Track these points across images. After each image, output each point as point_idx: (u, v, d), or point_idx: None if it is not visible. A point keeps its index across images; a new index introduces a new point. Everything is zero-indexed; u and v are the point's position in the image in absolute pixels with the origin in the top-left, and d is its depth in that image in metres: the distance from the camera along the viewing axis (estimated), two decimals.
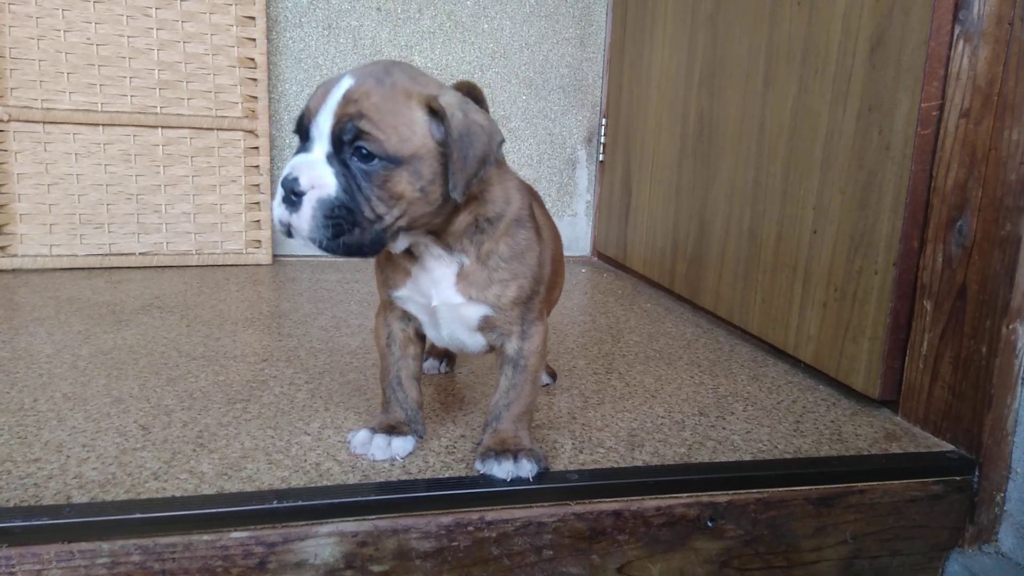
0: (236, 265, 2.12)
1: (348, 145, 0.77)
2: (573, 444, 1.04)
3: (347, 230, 0.78)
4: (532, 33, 2.30)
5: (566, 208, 2.43)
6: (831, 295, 1.31)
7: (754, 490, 0.98)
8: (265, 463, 0.95)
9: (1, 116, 1.85)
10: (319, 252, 0.81)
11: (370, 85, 0.79)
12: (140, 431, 1.02)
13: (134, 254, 2.02)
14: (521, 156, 2.36)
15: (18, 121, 1.88)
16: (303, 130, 0.81)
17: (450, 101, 0.80)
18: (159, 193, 2.02)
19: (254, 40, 2.03)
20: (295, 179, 0.78)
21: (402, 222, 0.81)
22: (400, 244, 0.87)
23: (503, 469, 0.90)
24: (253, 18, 2.02)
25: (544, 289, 0.95)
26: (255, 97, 2.06)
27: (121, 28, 1.93)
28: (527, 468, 0.91)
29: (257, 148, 2.09)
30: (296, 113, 2.18)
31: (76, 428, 1.02)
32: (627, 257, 2.18)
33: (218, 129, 2.05)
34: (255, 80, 2.06)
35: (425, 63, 2.23)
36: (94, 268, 1.95)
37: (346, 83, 0.79)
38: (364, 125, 0.77)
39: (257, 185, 2.11)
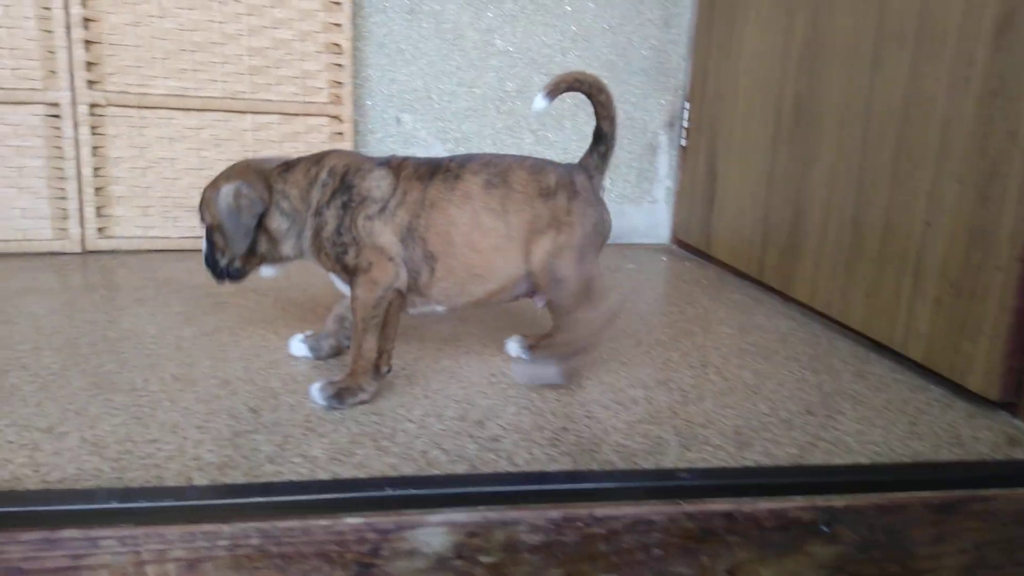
0: None
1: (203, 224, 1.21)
2: (679, 441, 1.02)
3: (212, 268, 1.21)
4: (615, 15, 2.25)
5: (645, 195, 2.39)
6: (945, 290, 1.24)
7: (872, 494, 0.94)
8: (374, 449, 0.96)
9: (99, 101, 1.91)
10: None
11: (211, 182, 1.19)
12: (251, 413, 1.04)
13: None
14: None
15: (115, 106, 1.93)
16: None
17: (221, 192, 1.14)
18: None
19: (340, 25, 2.04)
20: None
21: (236, 264, 1.19)
22: (265, 271, 1.24)
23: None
24: (339, 3, 2.03)
25: (355, 252, 1.11)
26: (340, 83, 2.08)
27: (212, 14, 1.96)
28: (315, 391, 1.09)
29: (341, 133, 2.11)
30: (379, 98, 2.19)
31: (188, 409, 1.05)
32: (710, 245, 2.12)
33: (304, 115, 2.07)
34: (340, 66, 2.07)
35: (506, 47, 2.21)
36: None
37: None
38: (200, 208, 1.19)
39: None
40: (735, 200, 1.98)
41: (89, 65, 1.89)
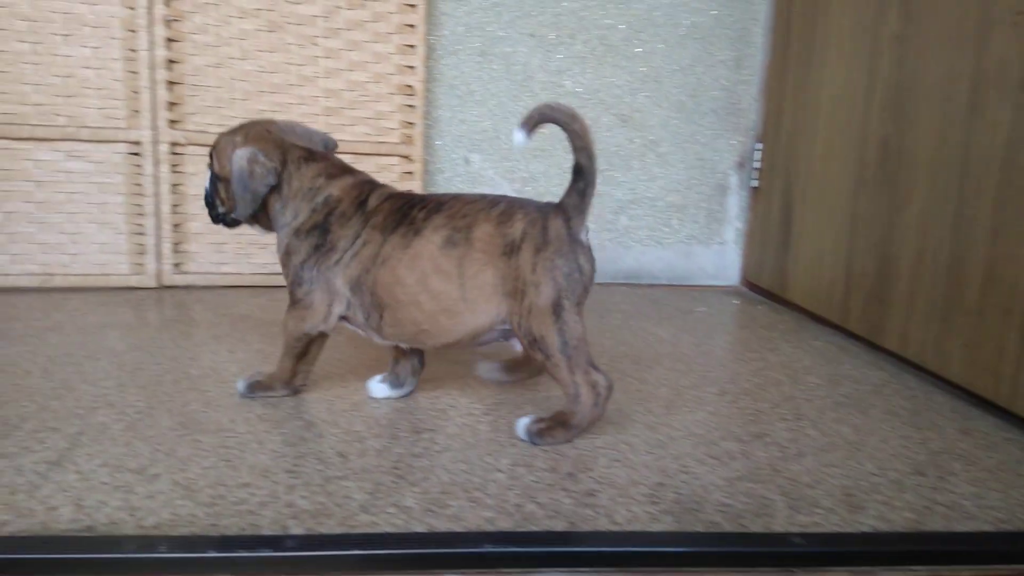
0: None
1: (209, 160, 1.24)
2: (786, 502, 0.97)
3: (209, 208, 1.27)
4: (686, 55, 2.24)
5: (714, 236, 2.35)
6: None
7: (1002, 566, 0.87)
8: (467, 501, 0.92)
9: (180, 140, 1.96)
10: None
11: (226, 132, 1.23)
12: (339, 458, 1.02)
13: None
14: (669, 182, 2.29)
15: (195, 145, 1.98)
16: None
17: (239, 153, 1.17)
18: None
19: (413, 68, 2.07)
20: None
21: (232, 215, 1.24)
22: (257, 230, 1.27)
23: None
24: (414, 46, 2.06)
25: (307, 289, 1.16)
26: (412, 123, 2.10)
27: (291, 57, 2.00)
28: (240, 382, 1.24)
29: (412, 173, 2.12)
30: (448, 138, 2.21)
31: (276, 452, 1.03)
32: (785, 288, 2.07)
33: (376, 154, 2.09)
34: (412, 107, 2.09)
35: (575, 88, 2.21)
36: (260, 287, 2.02)
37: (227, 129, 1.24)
38: (212, 151, 1.23)
39: None
40: (814, 243, 1.93)
41: (171, 105, 1.94)
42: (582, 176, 1.08)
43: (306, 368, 1.25)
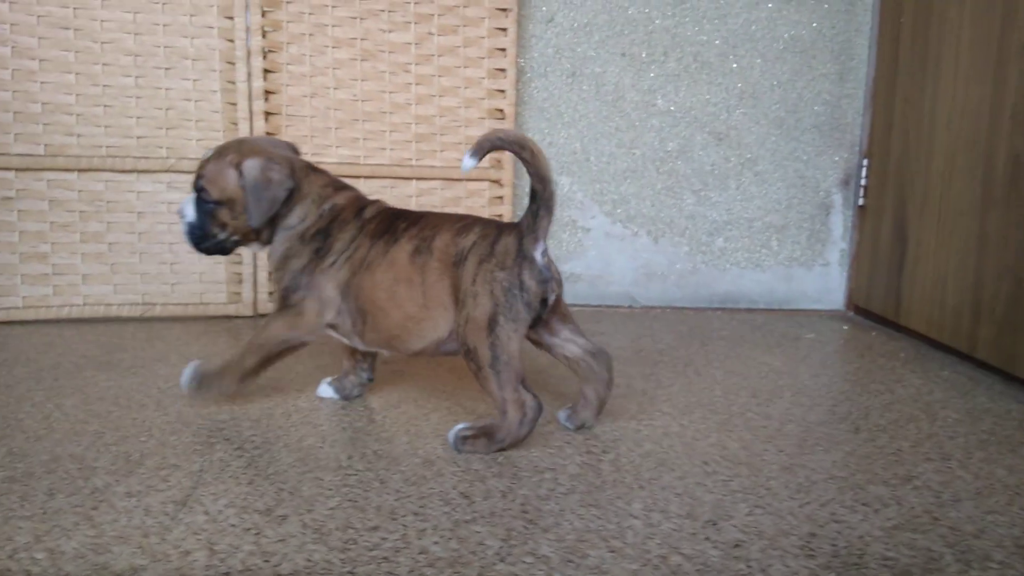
0: None
1: (198, 192, 1.22)
2: (953, 555, 0.88)
3: (201, 241, 1.24)
4: (785, 70, 2.16)
5: (817, 257, 2.24)
6: None
7: None
8: (606, 550, 0.87)
9: None
10: None
11: (213, 156, 1.22)
12: (463, 500, 0.98)
13: None
14: (768, 201, 2.21)
15: None
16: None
17: (249, 163, 1.19)
18: None
19: (503, 92, 2.05)
20: (180, 208, 1.24)
21: (235, 237, 1.25)
22: (254, 247, 1.27)
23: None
24: (504, 70, 2.04)
25: (302, 296, 1.20)
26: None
27: (383, 84, 2.01)
28: (185, 374, 1.25)
29: (501, 198, 2.10)
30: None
31: (400, 492, 1.00)
32: (900, 314, 1.95)
33: (466, 180, 2.08)
34: None
35: (668, 106, 2.15)
36: None
37: (208, 154, 1.23)
38: (203, 183, 1.21)
39: None
40: (934, 265, 1.81)
41: (268, 135, 1.96)
42: (536, 199, 1.10)
43: (262, 372, 1.27)
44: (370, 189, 2.03)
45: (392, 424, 1.25)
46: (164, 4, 1.85)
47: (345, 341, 1.25)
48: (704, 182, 2.19)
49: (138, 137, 1.89)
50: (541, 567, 0.83)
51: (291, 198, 1.22)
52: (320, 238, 1.21)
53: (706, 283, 2.23)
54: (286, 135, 1.97)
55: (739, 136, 2.17)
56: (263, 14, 1.90)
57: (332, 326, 1.22)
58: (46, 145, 1.84)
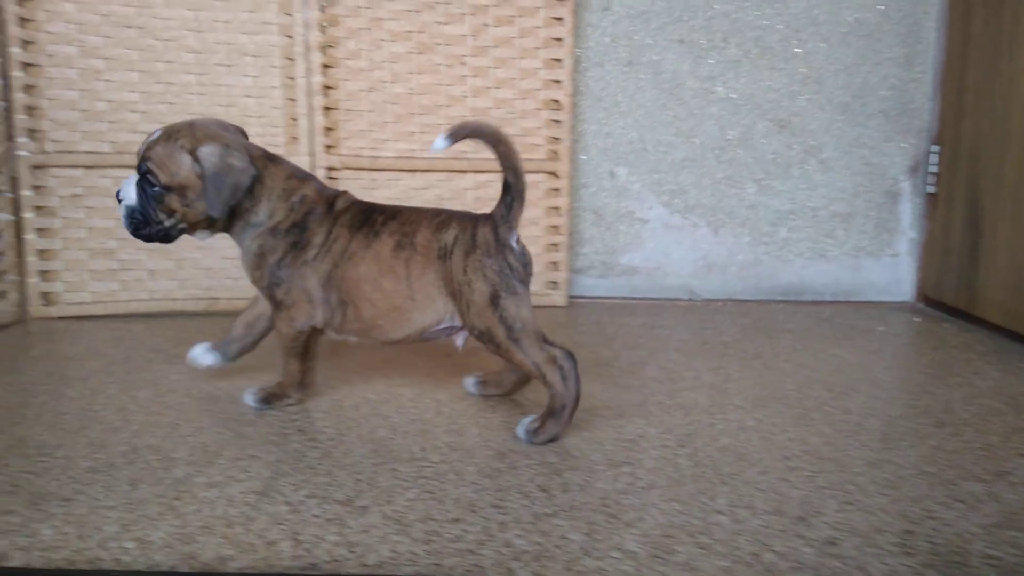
0: (534, 306, 2.10)
1: (143, 176, 1.16)
2: None
3: (142, 227, 1.18)
4: (850, 54, 2.09)
5: (885, 247, 2.17)
6: None
7: None
8: (694, 547, 0.84)
9: (335, 164, 1.99)
10: None
11: (161, 138, 1.16)
12: (541, 493, 0.96)
13: None
14: (833, 190, 2.14)
15: (349, 169, 2.00)
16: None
17: (207, 149, 1.15)
18: None
19: (560, 82, 2.03)
20: (119, 190, 1.18)
21: (181, 225, 1.19)
22: (201, 235, 1.23)
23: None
24: (560, 60, 2.01)
25: (285, 289, 1.20)
26: (558, 139, 2.05)
27: (440, 78, 2.00)
28: (248, 396, 1.27)
29: (558, 189, 2.07)
30: (593, 152, 2.15)
31: (476, 484, 0.99)
32: (975, 304, 1.87)
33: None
34: (559, 122, 2.04)
35: (728, 93, 2.10)
36: None
37: (154, 135, 1.17)
38: (150, 166, 1.15)
39: (556, 226, 2.09)
40: (1012, 255, 1.74)
41: (327, 130, 1.97)
42: (509, 191, 1.14)
43: (312, 366, 1.28)
44: (426, 183, 2.03)
45: (460, 416, 1.24)
46: (226, 1, 1.87)
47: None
48: (766, 171, 2.13)
49: None
50: (629, 562, 0.81)
51: (253, 190, 1.18)
52: (297, 231, 1.20)
53: (769, 274, 2.18)
54: (343, 130, 1.98)
55: (802, 123, 2.11)
56: (321, 9, 1.91)
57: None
58: (112, 143, 1.88)
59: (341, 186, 1.99)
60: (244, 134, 1.27)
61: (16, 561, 0.80)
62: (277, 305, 1.22)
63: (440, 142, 1.12)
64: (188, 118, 1.22)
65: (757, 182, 2.14)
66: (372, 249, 1.18)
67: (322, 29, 1.92)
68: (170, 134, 1.16)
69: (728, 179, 2.14)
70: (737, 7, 2.07)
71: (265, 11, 1.89)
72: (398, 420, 1.21)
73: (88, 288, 1.90)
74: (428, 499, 0.95)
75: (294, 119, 1.95)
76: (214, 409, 1.25)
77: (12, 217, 1.81)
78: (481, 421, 1.21)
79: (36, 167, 1.83)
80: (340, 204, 1.23)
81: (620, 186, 2.16)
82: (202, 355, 1.33)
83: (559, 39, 2.01)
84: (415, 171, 2.02)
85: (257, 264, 1.21)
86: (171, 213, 1.17)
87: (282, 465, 1.04)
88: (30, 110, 1.82)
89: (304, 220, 1.20)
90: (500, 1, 1.98)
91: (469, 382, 1.35)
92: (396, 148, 2.01)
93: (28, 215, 1.84)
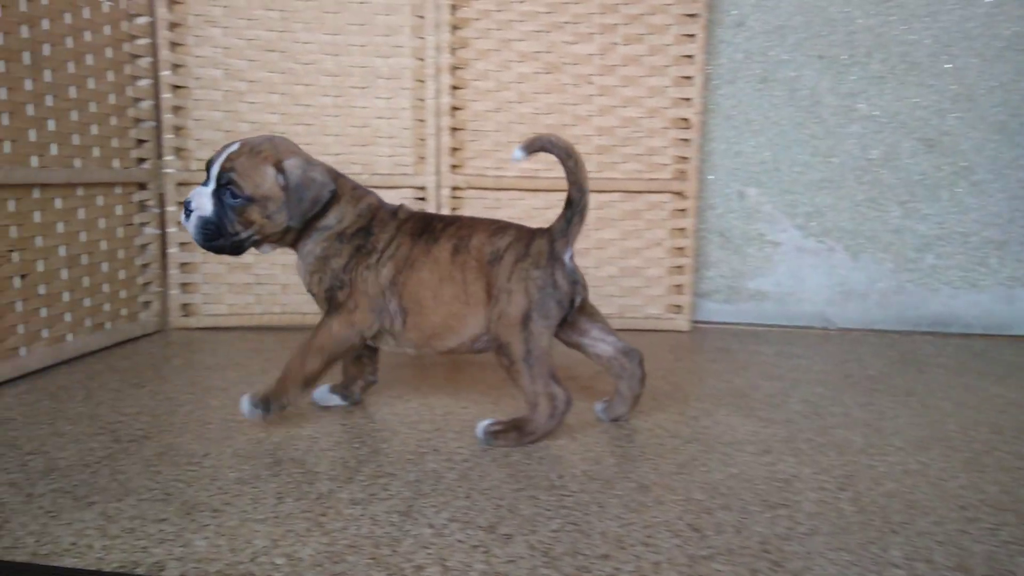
0: (655, 331, 2.04)
1: (223, 186, 1.15)
2: None
3: (215, 237, 1.17)
4: (1006, 70, 1.93)
5: None
6: None
7: None
8: None
9: (460, 184, 2.00)
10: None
11: (243, 151, 1.16)
12: (693, 532, 0.91)
13: None
14: (986, 214, 1.98)
15: (473, 188, 2.01)
16: (208, 170, 1.17)
17: (291, 163, 1.16)
18: (587, 256, 2.03)
19: (689, 100, 1.97)
20: (189, 201, 1.17)
21: (256, 237, 1.19)
22: (265, 249, 1.23)
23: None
24: (690, 77, 1.96)
25: (348, 292, 1.19)
26: (686, 158, 1.99)
27: (566, 97, 1.98)
28: (244, 406, 1.20)
29: (684, 210, 2.01)
30: (721, 172, 2.07)
31: (621, 518, 0.94)
32: None
33: (647, 192, 2.01)
34: (687, 140, 1.98)
35: (871, 111, 1.99)
36: None
37: (233, 148, 1.17)
38: (233, 176, 1.14)
39: (681, 248, 2.02)
40: None
41: (453, 150, 1.99)
42: (571, 207, 1.17)
43: (325, 374, 1.23)
44: (548, 203, 2.01)
45: (595, 443, 1.19)
46: (362, 25, 1.92)
47: (373, 343, 1.25)
48: (912, 193, 2.00)
49: (335, 154, 1.96)
50: None
51: (330, 200, 1.20)
52: (362, 236, 1.21)
53: (913, 304, 2.03)
54: (469, 150, 1.99)
55: (953, 142, 1.97)
56: (452, 31, 1.93)
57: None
58: None
59: (465, 206, 2.00)
60: None
61: (173, 571, 0.81)
62: (337, 307, 1.20)
63: (517, 153, 1.15)
64: (264, 134, 1.24)
65: (902, 205, 2.00)
66: (432, 255, 1.19)
67: (452, 51, 1.94)
68: (252, 147, 1.17)
69: (869, 201, 2.01)
70: (882, 21, 1.96)
71: (399, 35, 1.93)
72: (532, 445, 1.18)
73: (225, 300, 1.98)
74: (573, 531, 0.90)
75: (422, 139, 1.98)
76: (349, 423, 1.26)
77: (158, 231, 1.91)
78: (617, 451, 1.17)
79: (181, 184, 1.93)
80: (402, 213, 1.25)
81: (750, 207, 2.07)
82: (324, 396, 1.36)
83: (690, 56, 1.95)
84: (538, 191, 2.01)
85: (318, 267, 1.21)
86: (249, 224, 1.17)
87: (421, 485, 1.02)
88: (177, 130, 1.92)
89: (369, 225, 1.22)
90: (630, 20, 1.95)
91: (599, 408, 1.30)
92: (520, 168, 2.00)
93: (172, 230, 1.93)
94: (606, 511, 0.96)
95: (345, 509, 0.95)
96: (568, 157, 1.15)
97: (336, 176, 1.24)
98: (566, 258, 1.16)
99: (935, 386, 1.54)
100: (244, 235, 1.18)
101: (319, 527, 0.90)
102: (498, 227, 1.20)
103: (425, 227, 1.22)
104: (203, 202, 1.16)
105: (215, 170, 1.16)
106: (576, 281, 1.17)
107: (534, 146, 1.16)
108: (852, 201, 2.01)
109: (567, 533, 0.90)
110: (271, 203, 1.16)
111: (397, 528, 0.90)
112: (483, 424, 1.19)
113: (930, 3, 1.93)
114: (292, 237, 1.22)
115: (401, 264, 1.20)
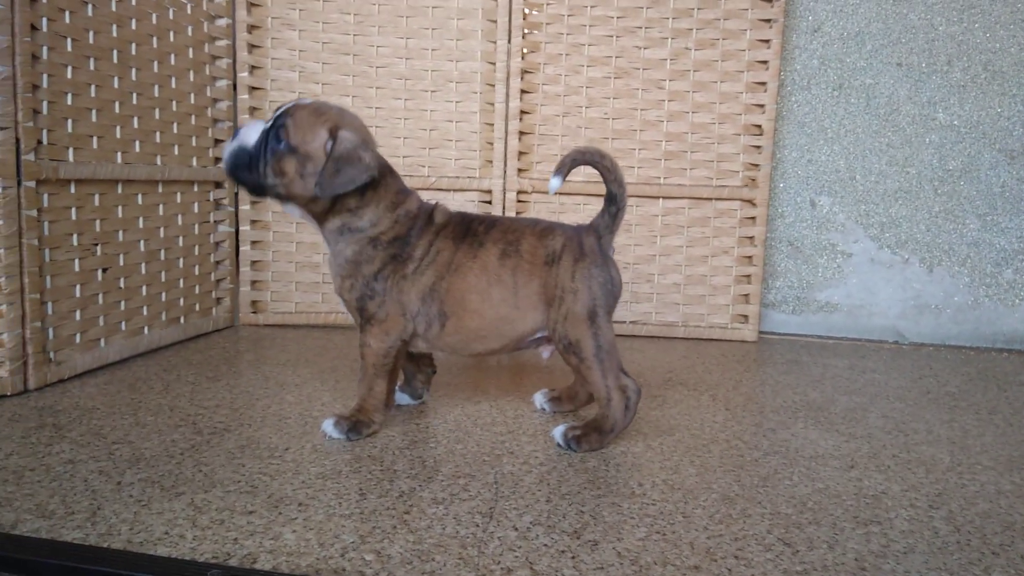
0: (720, 340, 2.01)
1: (274, 128, 1.14)
2: None
3: (243, 170, 1.16)
4: None
5: None
6: None
7: None
8: None
9: (526, 188, 2.00)
10: None
11: (310, 107, 1.15)
12: (784, 547, 0.88)
13: (624, 322, 2.03)
14: None
15: (538, 192, 2.01)
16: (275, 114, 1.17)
17: (346, 135, 1.13)
18: (653, 263, 2.01)
19: (762, 106, 1.94)
20: (240, 130, 1.17)
21: (280, 190, 1.15)
22: (290, 210, 1.20)
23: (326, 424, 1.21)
24: (764, 84, 1.93)
25: (379, 302, 1.18)
26: (756, 165, 1.96)
27: (635, 102, 1.97)
28: (330, 427, 1.19)
29: (753, 218, 1.98)
30: (792, 180, 2.03)
31: (708, 529, 0.92)
32: None
33: (716, 199, 1.98)
34: (758, 148, 1.95)
35: (951, 120, 1.93)
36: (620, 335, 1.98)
37: (305, 100, 1.16)
38: (287, 121, 1.13)
39: (750, 257, 1.99)
40: None
41: (520, 154, 1.99)
42: (613, 202, 1.18)
43: (393, 386, 1.26)
44: None
45: (672, 451, 1.18)
46: (434, 30, 1.94)
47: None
48: (992, 205, 1.93)
49: (404, 156, 1.98)
50: None
51: (364, 192, 1.17)
52: (398, 244, 1.18)
53: (990, 320, 1.96)
54: (536, 154, 1.99)
55: None
56: (524, 36, 1.93)
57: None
58: None
59: (530, 210, 2.00)
60: None
61: (266, 563, 0.82)
62: (369, 319, 1.19)
63: (554, 181, 1.17)
64: (345, 107, 1.20)
65: (981, 217, 1.94)
66: (479, 259, 1.18)
67: (523, 56, 1.94)
68: (319, 107, 1.15)
69: (947, 213, 1.95)
70: (964, 29, 1.90)
71: (471, 39, 1.94)
72: (608, 451, 1.17)
73: (293, 299, 2.01)
74: (660, 540, 0.89)
75: (490, 143, 1.98)
76: (423, 423, 1.26)
77: (231, 229, 1.95)
78: (696, 460, 1.15)
79: None
80: (438, 217, 1.22)
81: (821, 217, 2.02)
82: (403, 397, 1.37)
83: (764, 62, 1.92)
84: (602, 196, 1.99)
85: (350, 272, 1.19)
86: (281, 174, 1.14)
87: (501, 487, 1.02)
88: None
89: (407, 234, 1.19)
90: (704, 24, 1.92)
91: (539, 398, 1.37)
92: (585, 172, 1.99)
93: (245, 228, 1.97)
94: (691, 522, 0.94)
95: (428, 508, 0.95)
96: (602, 158, 1.17)
97: (387, 172, 1.20)
98: (611, 253, 1.20)
99: (1019, 405, 1.48)
100: (271, 182, 1.15)
101: (404, 525, 0.91)
102: (543, 228, 1.20)
103: (466, 231, 1.21)
104: (251, 134, 1.16)
105: (275, 113, 1.17)
106: (620, 273, 1.22)
107: (566, 165, 1.17)
108: (929, 212, 1.95)
109: (654, 542, 0.89)
110: (310, 163, 1.13)
111: (481, 529, 0.90)
112: (560, 429, 1.18)
113: (1015, 11, 1.87)
114: (318, 210, 1.18)
115: (443, 270, 1.18)
